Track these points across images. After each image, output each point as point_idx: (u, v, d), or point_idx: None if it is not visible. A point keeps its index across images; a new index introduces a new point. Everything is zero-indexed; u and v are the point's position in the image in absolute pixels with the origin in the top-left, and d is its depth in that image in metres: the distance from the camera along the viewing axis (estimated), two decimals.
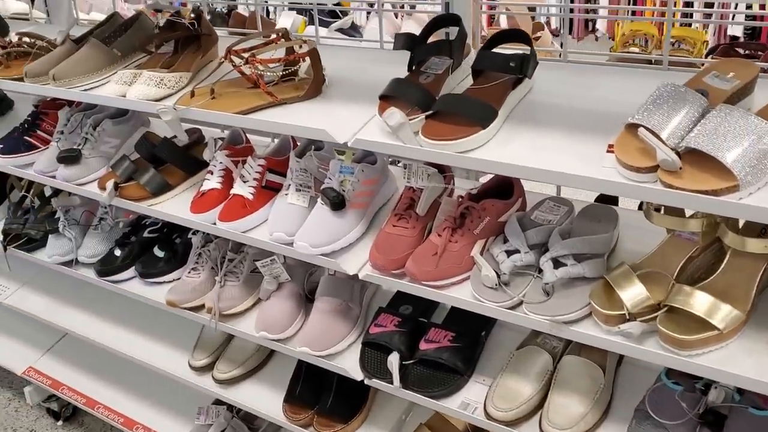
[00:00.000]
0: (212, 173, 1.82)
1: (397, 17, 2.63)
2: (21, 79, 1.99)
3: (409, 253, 1.45)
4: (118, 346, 2.28)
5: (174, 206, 1.87)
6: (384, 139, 1.34)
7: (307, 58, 1.61)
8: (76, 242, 2.19)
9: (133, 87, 1.73)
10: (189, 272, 1.96)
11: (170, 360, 2.16)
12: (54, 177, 2.07)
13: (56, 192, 2.42)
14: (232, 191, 1.75)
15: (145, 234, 2.13)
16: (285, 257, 1.81)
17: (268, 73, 1.61)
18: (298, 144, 1.84)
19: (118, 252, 2.12)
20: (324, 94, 1.61)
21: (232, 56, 1.63)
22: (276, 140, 1.94)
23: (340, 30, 2.58)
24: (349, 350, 1.70)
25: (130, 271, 2.09)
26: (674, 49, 2.16)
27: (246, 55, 1.61)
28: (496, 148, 1.27)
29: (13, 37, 2.11)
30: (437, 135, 1.27)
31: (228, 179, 1.81)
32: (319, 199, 1.61)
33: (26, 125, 2.24)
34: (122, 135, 2.13)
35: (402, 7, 2.63)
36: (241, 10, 2.80)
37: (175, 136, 2.04)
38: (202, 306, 1.91)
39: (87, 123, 2.09)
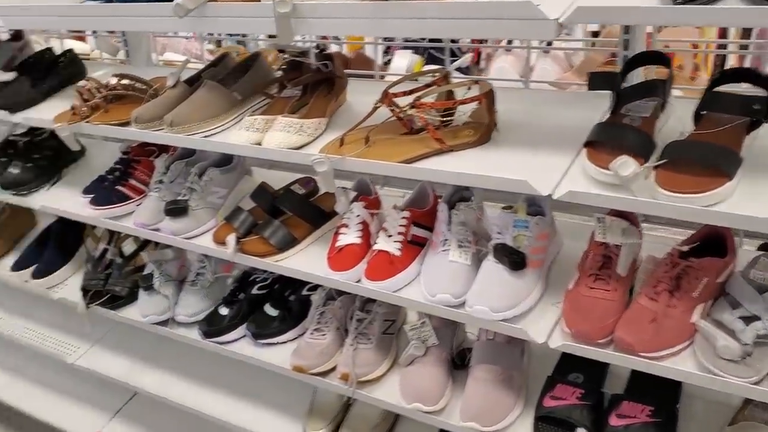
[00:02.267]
0: (347, 226, 1.66)
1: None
2: (124, 124, 1.83)
3: (616, 320, 1.28)
4: (210, 410, 2.08)
5: (302, 262, 1.70)
6: (604, 191, 1.19)
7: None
8: (172, 300, 2.01)
9: (270, 134, 1.58)
10: (312, 333, 1.78)
11: (278, 427, 1.97)
12: (156, 230, 1.90)
13: (143, 245, 2.24)
14: (376, 247, 1.58)
15: (254, 291, 1.95)
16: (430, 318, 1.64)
17: (428, 118, 1.46)
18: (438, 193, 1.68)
19: (224, 310, 1.93)
20: (493, 139, 1.46)
21: (391, 100, 1.48)
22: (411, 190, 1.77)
23: (459, 69, 2.45)
24: (516, 424, 1.52)
25: (239, 331, 1.91)
26: None
27: (407, 99, 1.47)
28: (745, 201, 1.12)
29: (111, 80, 1.95)
30: (678, 187, 1.11)
31: (366, 233, 1.64)
32: (489, 257, 1.44)
33: (117, 174, 2.07)
34: (229, 184, 1.96)
35: (549, 44, 2.49)
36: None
37: (293, 184, 1.89)
38: (331, 370, 1.74)
39: (191, 172, 1.92)
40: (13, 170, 2.24)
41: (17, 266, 2.37)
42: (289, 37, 1.43)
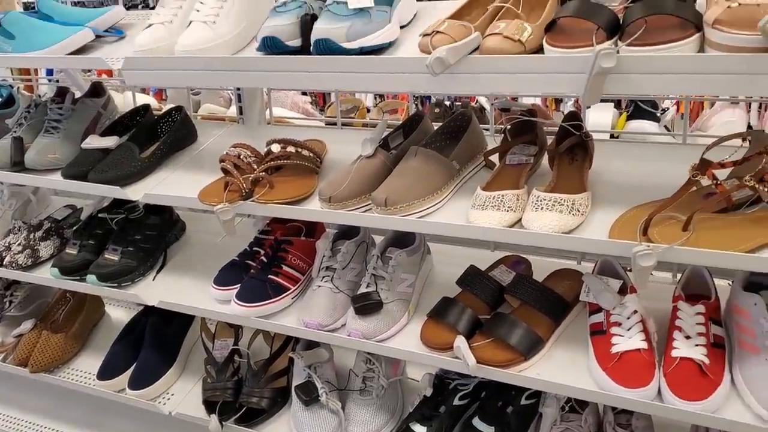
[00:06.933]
0: (619, 325, 1.33)
1: None
2: (296, 202, 1.47)
3: None
4: None
5: (556, 371, 1.36)
6: None
7: None
8: (341, 414, 1.63)
9: (533, 215, 1.26)
10: None
11: None
12: (331, 331, 1.53)
13: (285, 344, 1.85)
14: (675, 353, 1.27)
15: (456, 401, 1.59)
16: None
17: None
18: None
19: (419, 428, 1.56)
20: None
21: (712, 171, 1.18)
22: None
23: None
24: None
25: None
26: None
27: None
28: None
29: (272, 147, 1.58)
30: None
31: (647, 334, 1.32)
32: None
33: (265, 259, 1.68)
34: (415, 269, 1.61)
35: None
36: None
37: (497, 265, 1.55)
38: None
39: (373, 254, 1.57)
40: (112, 257, 1.82)
41: (107, 373, 1.93)
42: (597, 98, 1.13)
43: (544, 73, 1.14)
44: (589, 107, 2.03)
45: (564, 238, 1.22)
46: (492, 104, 1.74)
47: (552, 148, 1.37)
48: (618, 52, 1.06)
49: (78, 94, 2.03)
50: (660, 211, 1.19)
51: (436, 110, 2.35)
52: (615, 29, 1.13)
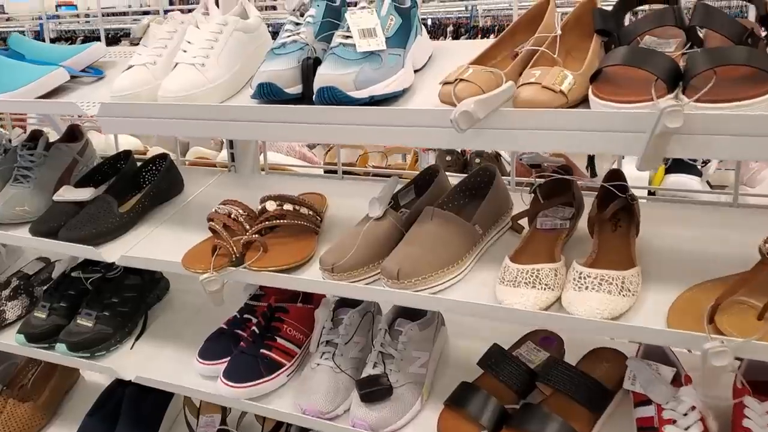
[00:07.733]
0: (673, 422, 1.13)
1: None
2: (293, 269, 1.27)
3: None
4: None
5: None
6: None
7: None
8: None
9: (577, 295, 1.06)
10: None
11: None
12: (332, 419, 1.32)
13: (279, 422, 1.63)
14: None
15: None
16: None
17: None
18: None
19: None
20: None
21: None
22: None
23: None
24: None
25: None
26: None
27: None
28: None
29: (266, 204, 1.38)
30: None
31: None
32: None
33: (258, 330, 1.48)
34: (428, 345, 1.41)
35: None
36: None
37: (523, 341, 1.36)
38: None
39: (380, 328, 1.37)
40: (85, 322, 1.61)
41: None
42: (658, 163, 0.94)
43: (592, 131, 0.95)
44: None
45: (615, 327, 1.02)
46: (520, 159, 1.55)
47: (594, 213, 1.18)
48: (683, 108, 0.89)
49: (56, 136, 1.85)
50: (728, 296, 0.99)
51: (448, 158, 2.17)
52: (675, 80, 0.95)
